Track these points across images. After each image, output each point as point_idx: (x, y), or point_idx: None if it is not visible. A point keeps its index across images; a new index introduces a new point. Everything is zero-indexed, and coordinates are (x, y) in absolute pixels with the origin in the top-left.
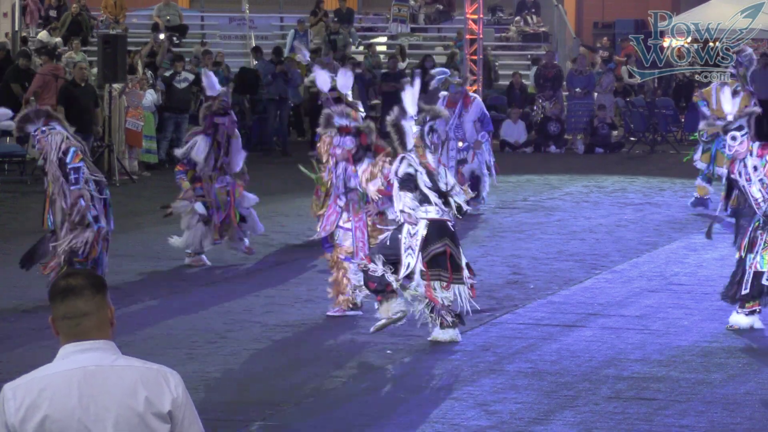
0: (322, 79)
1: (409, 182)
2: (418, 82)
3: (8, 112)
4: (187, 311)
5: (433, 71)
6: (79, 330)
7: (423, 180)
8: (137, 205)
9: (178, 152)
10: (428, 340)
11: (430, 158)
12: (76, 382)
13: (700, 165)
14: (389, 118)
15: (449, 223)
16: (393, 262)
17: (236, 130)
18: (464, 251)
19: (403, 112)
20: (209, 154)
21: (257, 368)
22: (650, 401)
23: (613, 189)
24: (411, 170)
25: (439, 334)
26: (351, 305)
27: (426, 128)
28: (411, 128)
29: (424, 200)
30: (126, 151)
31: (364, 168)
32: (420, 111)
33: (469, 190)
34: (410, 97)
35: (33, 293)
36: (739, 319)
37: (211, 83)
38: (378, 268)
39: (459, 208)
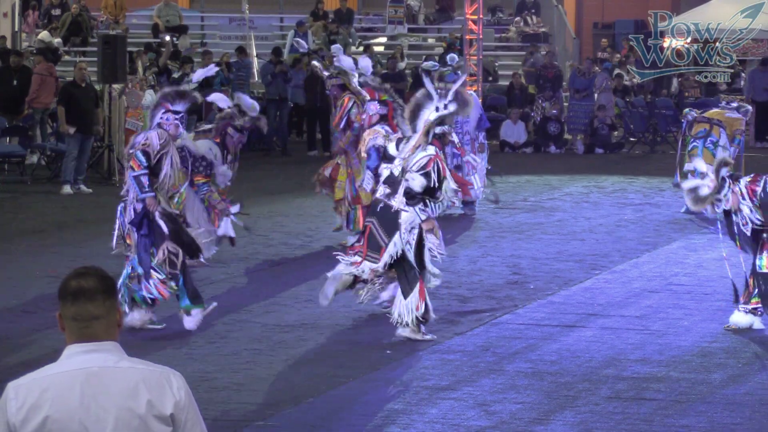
0: (346, 62)
1: (391, 181)
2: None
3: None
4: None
5: (424, 64)
6: (87, 332)
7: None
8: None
9: (204, 153)
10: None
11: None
12: (78, 382)
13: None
14: (417, 95)
15: (385, 202)
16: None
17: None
18: (464, 251)
19: (429, 96)
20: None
21: (257, 368)
22: (650, 401)
23: (613, 189)
24: (394, 169)
25: (403, 332)
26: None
27: (438, 129)
28: (427, 115)
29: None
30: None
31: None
32: (449, 104)
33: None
34: (432, 89)
35: (33, 293)
36: (739, 318)
37: (247, 103)
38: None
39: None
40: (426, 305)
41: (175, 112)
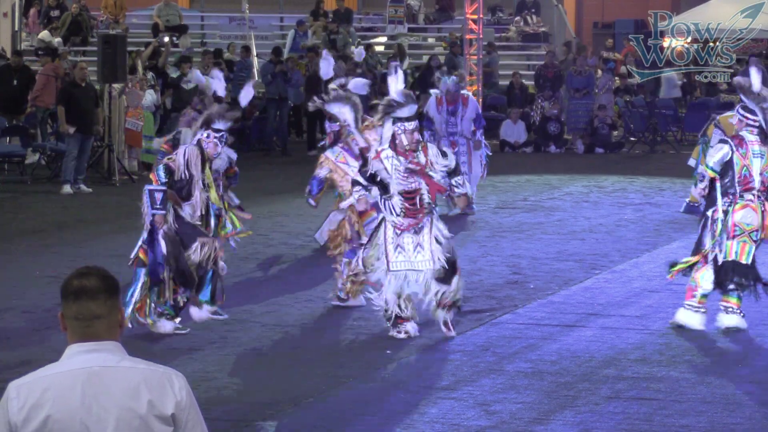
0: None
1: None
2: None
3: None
4: (188, 311)
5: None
6: (89, 331)
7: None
8: (137, 205)
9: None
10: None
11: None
12: (80, 382)
13: (701, 169)
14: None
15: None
16: None
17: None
18: (464, 251)
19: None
20: None
21: (257, 368)
22: (650, 401)
23: (613, 189)
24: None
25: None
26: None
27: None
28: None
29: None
30: (126, 151)
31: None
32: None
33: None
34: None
35: (33, 293)
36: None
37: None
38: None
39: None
40: (397, 303)
41: (216, 131)
